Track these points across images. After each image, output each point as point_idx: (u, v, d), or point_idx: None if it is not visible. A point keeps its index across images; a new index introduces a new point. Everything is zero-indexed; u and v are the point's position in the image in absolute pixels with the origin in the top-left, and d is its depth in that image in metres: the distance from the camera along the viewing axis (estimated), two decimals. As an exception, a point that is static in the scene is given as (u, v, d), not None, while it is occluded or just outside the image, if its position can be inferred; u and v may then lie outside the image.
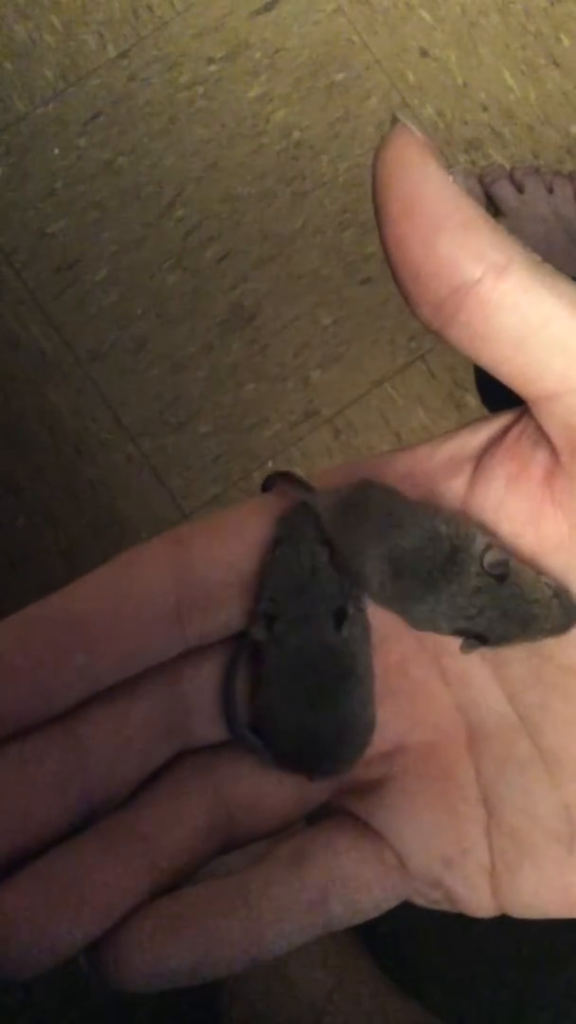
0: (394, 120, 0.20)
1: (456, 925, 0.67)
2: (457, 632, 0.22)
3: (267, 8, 0.78)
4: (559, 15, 0.80)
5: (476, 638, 0.22)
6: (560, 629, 0.21)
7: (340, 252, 0.78)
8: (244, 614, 0.23)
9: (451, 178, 0.20)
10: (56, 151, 0.77)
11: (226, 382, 0.78)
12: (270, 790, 0.23)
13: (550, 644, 0.22)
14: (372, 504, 0.22)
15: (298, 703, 0.23)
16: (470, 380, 0.80)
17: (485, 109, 0.80)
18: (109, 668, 0.21)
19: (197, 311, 0.77)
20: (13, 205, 0.76)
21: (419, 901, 0.23)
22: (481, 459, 0.23)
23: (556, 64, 0.80)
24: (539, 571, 0.22)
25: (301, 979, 0.53)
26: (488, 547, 0.21)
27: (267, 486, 0.24)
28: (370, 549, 0.22)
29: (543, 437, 0.22)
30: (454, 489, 0.23)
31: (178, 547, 0.22)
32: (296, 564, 0.22)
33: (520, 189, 0.77)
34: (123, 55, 0.77)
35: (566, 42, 0.80)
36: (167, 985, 0.21)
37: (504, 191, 0.77)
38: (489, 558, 0.21)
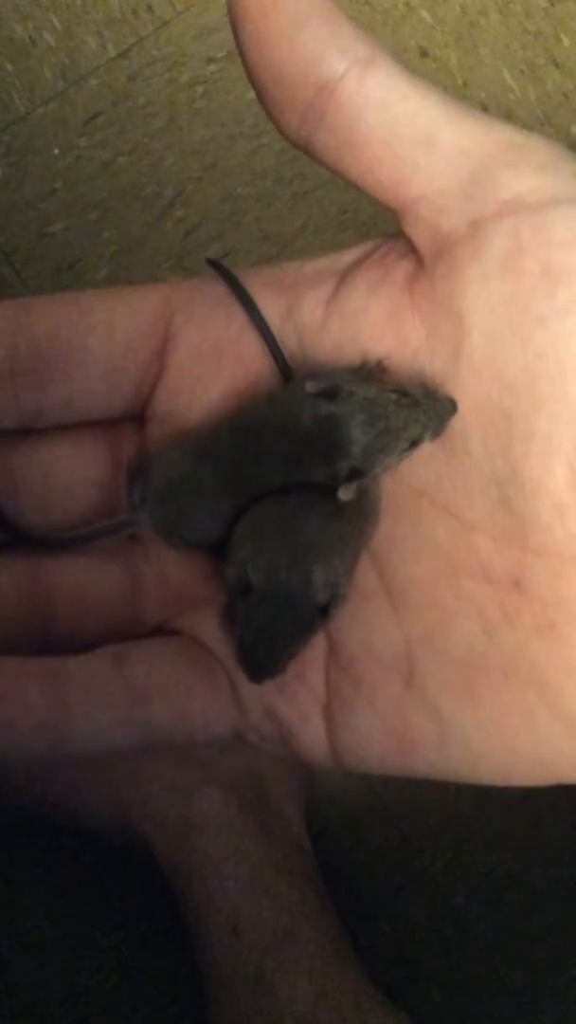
0: None
1: (456, 925, 0.67)
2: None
3: (267, 8, 0.78)
4: (559, 15, 0.80)
5: (351, 475, 0.21)
6: (427, 431, 0.20)
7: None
8: (75, 402, 0.22)
9: None
10: (56, 151, 0.77)
11: (226, 382, 0.78)
12: (95, 580, 0.23)
13: (403, 465, 0.21)
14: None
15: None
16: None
17: (485, 109, 0.80)
18: None
19: (197, 311, 0.77)
20: (13, 205, 0.76)
21: (252, 738, 0.22)
22: (346, 272, 0.23)
23: (556, 64, 0.80)
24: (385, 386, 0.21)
25: (283, 988, 0.53)
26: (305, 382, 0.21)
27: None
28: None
29: (410, 251, 0.22)
30: (317, 297, 0.22)
31: (21, 313, 0.21)
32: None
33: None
34: (123, 55, 0.77)
35: (566, 42, 0.80)
36: None
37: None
38: (310, 388, 0.21)
